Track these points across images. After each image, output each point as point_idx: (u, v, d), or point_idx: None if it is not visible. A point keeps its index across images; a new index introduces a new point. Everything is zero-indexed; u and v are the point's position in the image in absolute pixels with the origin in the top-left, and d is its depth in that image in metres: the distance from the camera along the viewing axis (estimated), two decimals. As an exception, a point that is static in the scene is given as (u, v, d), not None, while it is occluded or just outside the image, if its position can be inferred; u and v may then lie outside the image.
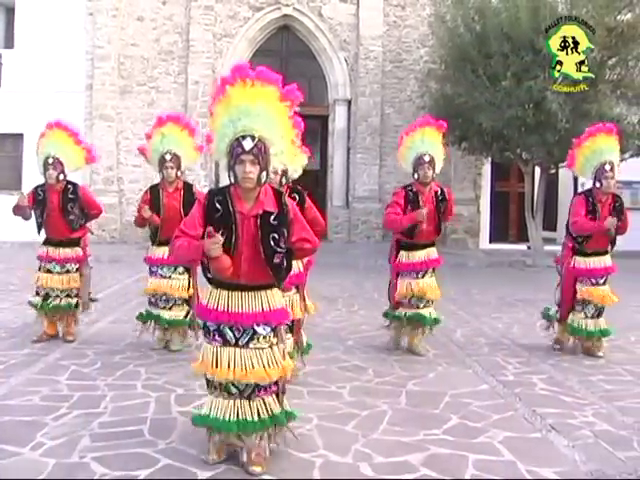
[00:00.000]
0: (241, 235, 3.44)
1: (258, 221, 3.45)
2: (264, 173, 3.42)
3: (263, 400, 3.53)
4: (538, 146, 13.42)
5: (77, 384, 5.01)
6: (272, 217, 3.46)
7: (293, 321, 5.22)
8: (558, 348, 6.44)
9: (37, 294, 6.39)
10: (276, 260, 3.46)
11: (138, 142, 16.36)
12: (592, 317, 6.20)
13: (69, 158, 6.30)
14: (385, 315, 6.45)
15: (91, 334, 6.79)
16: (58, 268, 6.33)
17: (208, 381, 3.62)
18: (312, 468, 3.58)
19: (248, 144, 3.34)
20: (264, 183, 3.48)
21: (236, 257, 3.42)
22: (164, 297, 6.15)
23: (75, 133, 6.42)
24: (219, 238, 3.29)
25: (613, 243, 6.21)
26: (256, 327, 3.48)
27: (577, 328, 6.22)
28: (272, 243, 3.44)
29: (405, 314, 6.15)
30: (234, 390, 3.51)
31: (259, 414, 3.50)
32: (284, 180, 4.88)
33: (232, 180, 3.46)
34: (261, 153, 3.37)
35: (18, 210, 6.21)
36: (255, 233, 3.45)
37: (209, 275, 3.54)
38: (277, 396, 3.61)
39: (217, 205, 3.46)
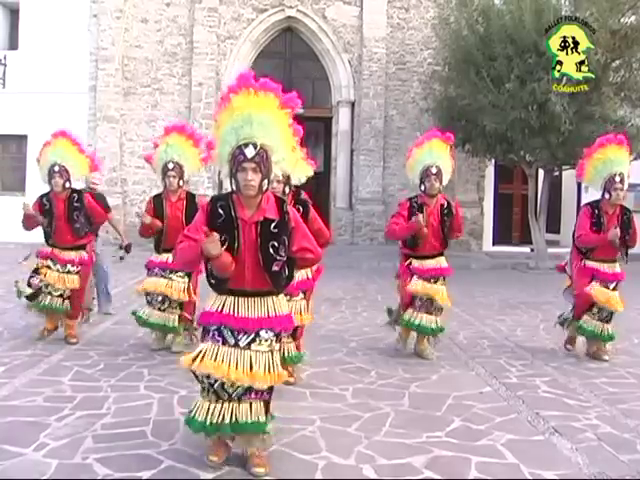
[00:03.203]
0: (242, 242, 3.44)
1: (258, 228, 3.45)
2: (266, 181, 3.42)
3: (251, 404, 3.49)
4: (542, 148, 13.42)
5: (80, 385, 5.02)
6: (272, 225, 3.45)
7: (297, 327, 5.21)
8: (570, 349, 6.37)
9: (29, 285, 6.35)
10: (275, 268, 3.45)
11: (142, 144, 16.50)
12: (602, 320, 6.18)
13: (74, 166, 6.34)
14: (388, 313, 6.45)
15: (94, 335, 6.80)
16: (59, 267, 6.34)
17: (197, 377, 3.55)
18: (315, 470, 3.58)
19: (250, 152, 3.35)
20: (265, 190, 3.48)
21: (239, 264, 3.41)
22: (160, 297, 6.16)
23: (78, 143, 6.47)
24: (215, 236, 3.28)
25: (626, 254, 6.19)
26: (259, 329, 3.47)
27: (586, 328, 6.20)
28: (271, 251, 3.43)
29: (411, 322, 6.13)
30: (223, 394, 3.48)
31: (246, 417, 3.46)
32: (287, 189, 4.88)
33: (234, 187, 3.46)
34: (263, 161, 3.37)
35: (28, 220, 6.23)
36: (255, 240, 3.44)
37: (212, 281, 3.53)
38: (266, 404, 3.56)
39: (220, 211, 3.46)
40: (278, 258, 3.45)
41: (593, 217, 6.08)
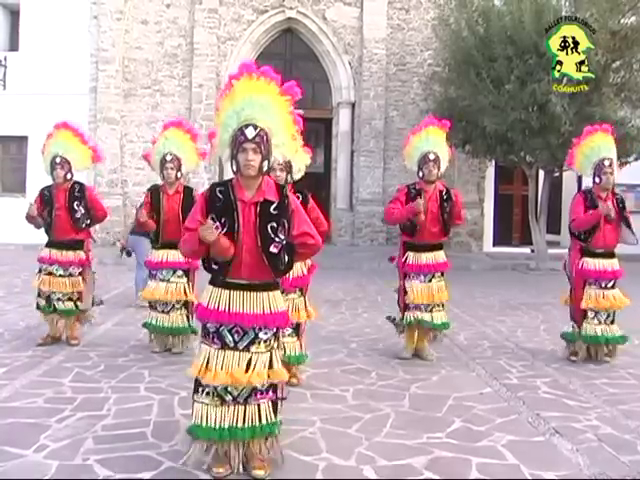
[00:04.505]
0: (242, 224, 3.45)
1: (258, 209, 3.47)
2: (265, 162, 3.46)
3: (259, 406, 3.48)
4: (542, 149, 13.41)
5: (80, 386, 5.02)
6: (272, 206, 3.47)
7: (298, 324, 5.22)
8: (575, 360, 6.20)
9: (39, 296, 6.40)
10: (273, 250, 3.43)
11: (142, 145, 16.48)
12: (605, 323, 6.14)
13: (76, 158, 6.36)
14: (392, 320, 6.40)
15: (95, 337, 6.80)
16: (61, 271, 6.33)
17: (198, 387, 3.52)
18: (315, 471, 3.58)
19: (251, 132, 3.39)
20: (265, 172, 3.53)
21: (238, 248, 3.42)
22: (162, 301, 6.18)
23: (81, 133, 6.49)
24: (209, 223, 3.32)
25: (632, 233, 6.15)
26: (258, 331, 3.46)
27: (592, 336, 6.09)
28: (270, 231, 3.44)
29: (413, 319, 6.09)
30: (228, 397, 3.46)
31: (252, 421, 3.45)
32: (289, 178, 4.93)
33: (234, 169, 3.50)
34: (263, 142, 3.42)
35: (29, 218, 6.25)
36: (254, 221, 3.46)
37: (213, 267, 3.51)
38: (274, 404, 3.55)
39: (219, 195, 3.50)
40: (277, 240, 3.45)
41: (586, 202, 6.11)
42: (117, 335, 6.90)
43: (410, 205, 5.86)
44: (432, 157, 5.93)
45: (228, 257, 3.41)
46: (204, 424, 3.45)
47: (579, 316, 6.20)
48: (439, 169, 6.00)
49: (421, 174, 6.01)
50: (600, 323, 6.14)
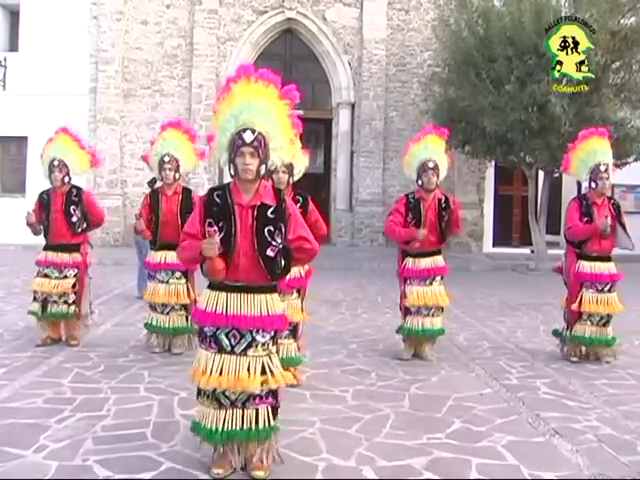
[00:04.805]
0: (239, 227, 3.45)
1: (255, 212, 3.47)
2: (263, 166, 3.47)
3: (257, 410, 3.47)
4: (542, 150, 13.42)
5: (80, 387, 5.02)
6: (269, 210, 3.48)
7: (296, 326, 5.22)
8: (576, 360, 6.19)
9: (35, 299, 6.38)
10: (269, 253, 3.44)
11: (142, 145, 16.48)
12: (597, 325, 6.13)
13: (74, 161, 6.38)
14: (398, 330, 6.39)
15: (94, 337, 6.79)
16: (56, 273, 6.32)
17: (199, 390, 3.54)
18: (315, 471, 3.58)
19: (249, 136, 3.39)
20: (263, 176, 3.53)
21: (234, 251, 3.43)
22: (162, 303, 6.19)
23: (79, 139, 6.51)
24: (216, 239, 3.32)
25: (629, 237, 6.12)
26: (255, 334, 3.45)
27: (579, 336, 6.14)
28: (267, 235, 3.45)
29: (412, 329, 6.08)
30: (224, 401, 3.45)
31: (249, 424, 3.44)
32: (291, 180, 4.96)
33: (232, 173, 3.51)
34: (261, 146, 3.42)
35: (30, 226, 6.28)
36: (251, 224, 3.46)
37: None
38: (273, 409, 3.54)
39: (216, 199, 3.51)
40: (274, 243, 3.46)
41: (582, 208, 6.10)
42: (117, 335, 6.90)
43: (412, 232, 5.87)
44: (431, 165, 5.92)
45: (217, 279, 3.42)
46: (202, 423, 3.50)
47: (573, 319, 6.20)
48: (438, 177, 5.99)
49: (420, 182, 6.01)
50: (592, 325, 6.13)
